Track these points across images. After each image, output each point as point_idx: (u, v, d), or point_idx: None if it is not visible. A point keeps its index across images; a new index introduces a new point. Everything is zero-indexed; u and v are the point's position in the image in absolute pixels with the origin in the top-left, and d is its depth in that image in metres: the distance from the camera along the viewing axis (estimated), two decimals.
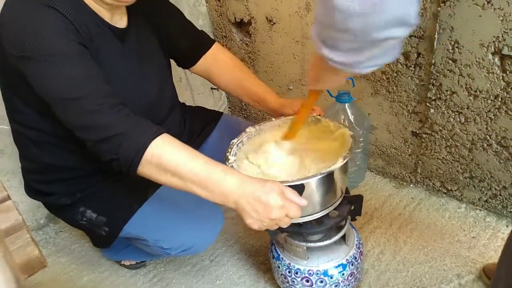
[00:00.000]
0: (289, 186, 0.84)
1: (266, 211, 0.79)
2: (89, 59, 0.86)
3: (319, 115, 1.11)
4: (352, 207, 1.04)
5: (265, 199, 0.79)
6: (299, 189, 0.84)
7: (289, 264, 1.07)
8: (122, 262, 1.43)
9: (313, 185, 0.89)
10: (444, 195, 1.54)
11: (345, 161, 0.90)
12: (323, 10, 0.60)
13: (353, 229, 1.16)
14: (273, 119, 1.13)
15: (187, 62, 1.25)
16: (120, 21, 1.01)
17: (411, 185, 1.62)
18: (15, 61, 0.83)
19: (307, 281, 1.06)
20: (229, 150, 1.01)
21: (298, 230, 1.01)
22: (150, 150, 0.81)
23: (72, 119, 0.84)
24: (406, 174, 1.62)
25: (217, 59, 1.24)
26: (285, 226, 0.84)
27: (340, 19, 0.57)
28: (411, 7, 0.56)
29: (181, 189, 0.83)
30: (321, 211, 0.96)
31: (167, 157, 0.81)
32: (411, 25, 0.58)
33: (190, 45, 1.21)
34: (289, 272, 1.07)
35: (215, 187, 0.81)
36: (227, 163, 0.96)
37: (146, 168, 0.83)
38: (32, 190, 1.14)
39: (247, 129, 1.09)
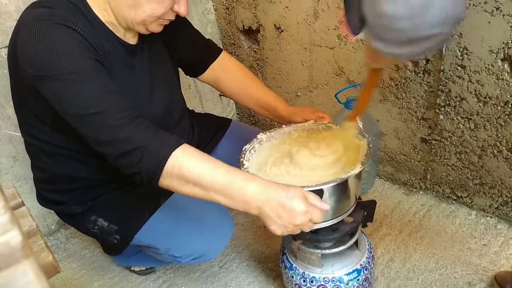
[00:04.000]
0: (308, 191, 0.84)
1: (291, 217, 0.79)
2: (105, 75, 0.87)
3: (329, 122, 1.12)
4: (364, 213, 1.04)
5: (289, 205, 0.79)
6: (318, 194, 0.85)
7: (304, 273, 1.06)
8: (132, 268, 1.43)
9: (332, 191, 0.90)
10: (454, 202, 1.53)
11: (363, 167, 0.90)
12: (372, 12, 0.63)
13: (363, 233, 1.15)
14: (283, 126, 1.14)
15: (195, 71, 1.26)
16: (132, 38, 1.02)
17: (421, 192, 1.61)
18: (31, 79, 0.84)
19: None
20: (243, 155, 1.02)
21: (314, 237, 1.01)
22: (171, 162, 0.81)
23: (92, 134, 0.85)
24: (416, 181, 1.61)
25: (225, 68, 1.25)
26: (307, 230, 0.84)
27: (388, 22, 0.60)
28: (456, 5, 0.59)
29: (203, 199, 0.84)
30: (338, 216, 0.96)
31: (187, 167, 0.81)
32: (458, 21, 0.60)
33: (198, 55, 1.23)
34: (304, 281, 1.06)
35: (237, 195, 0.81)
36: (242, 169, 0.96)
37: (168, 179, 0.83)
38: (43, 198, 1.15)
39: (258, 136, 1.09)
